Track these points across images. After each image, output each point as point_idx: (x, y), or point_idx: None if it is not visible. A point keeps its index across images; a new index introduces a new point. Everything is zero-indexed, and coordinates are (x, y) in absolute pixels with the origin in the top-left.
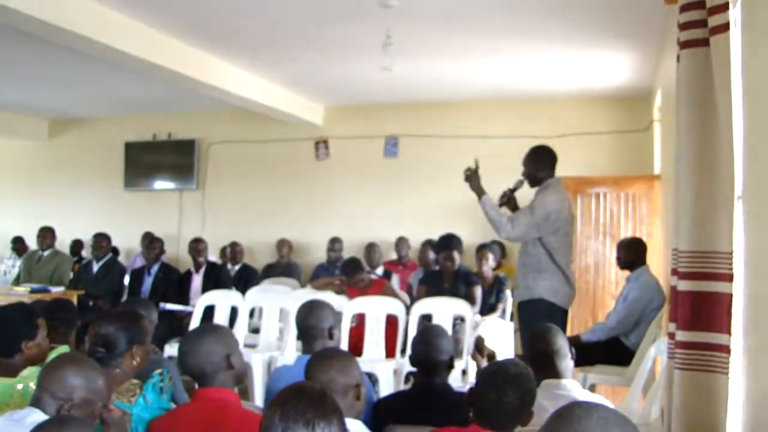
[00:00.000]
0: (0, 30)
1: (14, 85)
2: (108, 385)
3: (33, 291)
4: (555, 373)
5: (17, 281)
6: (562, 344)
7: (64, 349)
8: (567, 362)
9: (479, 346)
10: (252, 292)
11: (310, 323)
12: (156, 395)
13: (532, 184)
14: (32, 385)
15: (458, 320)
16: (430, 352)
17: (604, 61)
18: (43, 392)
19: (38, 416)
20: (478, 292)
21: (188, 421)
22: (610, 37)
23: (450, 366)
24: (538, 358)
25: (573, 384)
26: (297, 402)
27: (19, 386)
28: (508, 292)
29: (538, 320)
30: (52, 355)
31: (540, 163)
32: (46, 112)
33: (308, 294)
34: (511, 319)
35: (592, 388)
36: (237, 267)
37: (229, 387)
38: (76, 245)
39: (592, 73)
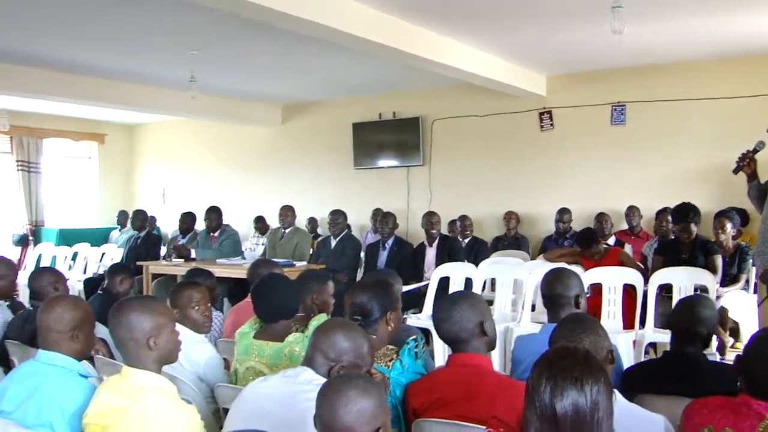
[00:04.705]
0: (239, 25)
1: (252, 77)
2: (371, 351)
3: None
4: None
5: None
6: None
7: (323, 317)
8: None
9: (722, 319)
10: (485, 263)
11: (557, 291)
12: (411, 360)
13: None
14: (297, 349)
15: (699, 291)
16: (692, 320)
17: None
18: (316, 352)
19: (309, 374)
20: (719, 261)
21: (444, 385)
22: None
23: (706, 342)
24: None
25: None
26: (563, 361)
27: (286, 350)
28: (751, 262)
29: None
30: (313, 322)
31: None
32: (279, 98)
33: (541, 265)
34: (755, 291)
35: None
36: (467, 240)
37: (482, 353)
38: (312, 222)
39: None
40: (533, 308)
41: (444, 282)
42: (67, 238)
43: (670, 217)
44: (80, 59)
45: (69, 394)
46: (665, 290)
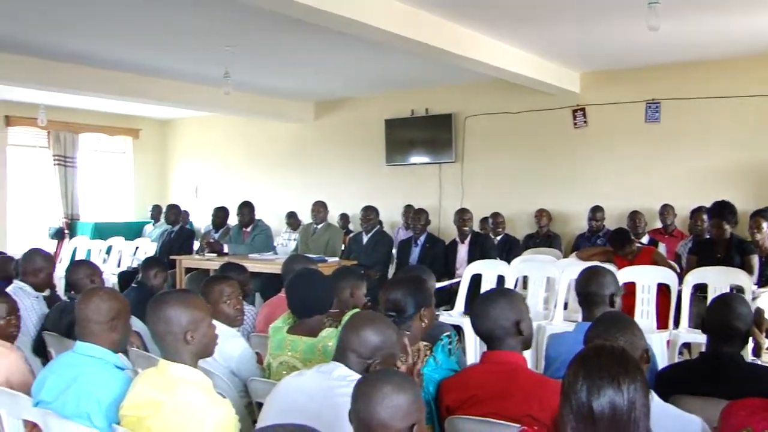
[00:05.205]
0: (273, 22)
1: (285, 73)
2: (400, 338)
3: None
4: None
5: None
6: None
7: (356, 311)
8: None
9: (758, 320)
10: (517, 261)
11: (591, 290)
12: (445, 357)
13: None
14: (331, 344)
15: (735, 291)
16: (729, 315)
17: None
18: (348, 352)
19: (343, 370)
20: (755, 261)
21: (478, 382)
22: None
23: (744, 340)
24: None
25: None
26: (600, 360)
27: (320, 345)
28: None
29: None
30: (346, 317)
31: None
32: (312, 95)
33: (573, 263)
34: None
35: None
36: (499, 237)
37: (517, 351)
38: (344, 218)
39: None
40: (566, 306)
41: (476, 279)
42: (102, 231)
43: (705, 216)
44: (117, 55)
45: (106, 385)
46: (700, 290)
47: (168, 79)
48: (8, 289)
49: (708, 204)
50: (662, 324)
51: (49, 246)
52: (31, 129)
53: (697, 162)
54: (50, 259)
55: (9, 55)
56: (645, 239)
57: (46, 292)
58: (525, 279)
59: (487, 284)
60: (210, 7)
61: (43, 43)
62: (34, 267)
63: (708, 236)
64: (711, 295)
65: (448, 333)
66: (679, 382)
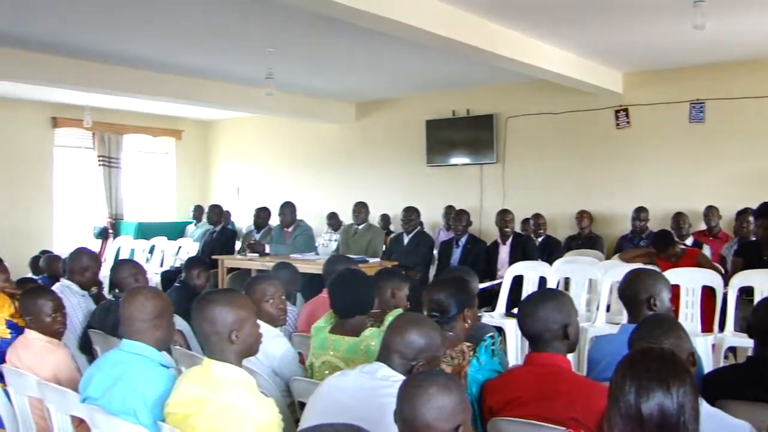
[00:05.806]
0: (314, 23)
1: (327, 74)
2: (443, 339)
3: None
4: None
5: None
6: None
7: (398, 311)
8: None
9: None
10: (559, 262)
11: (633, 292)
12: (488, 357)
13: None
14: (373, 344)
15: None
16: None
17: None
18: (392, 353)
19: (387, 371)
20: None
21: (522, 384)
22: None
23: None
24: None
25: None
26: (648, 362)
27: (362, 345)
28: None
29: None
30: (389, 317)
31: None
32: (353, 95)
33: (616, 265)
34: None
35: None
36: (540, 239)
37: (562, 354)
38: (385, 219)
39: None
40: (608, 309)
41: (517, 280)
42: (145, 231)
43: (751, 218)
44: (161, 57)
45: (151, 383)
46: (746, 293)
47: (211, 81)
48: (55, 288)
49: (754, 205)
50: (707, 327)
51: (94, 245)
52: (77, 130)
53: (743, 163)
54: (96, 259)
55: (56, 57)
56: (689, 241)
57: (92, 291)
58: (567, 281)
59: (529, 286)
60: (252, 8)
61: (88, 45)
62: (81, 266)
63: (754, 238)
64: (757, 298)
65: (491, 334)
66: (725, 386)
